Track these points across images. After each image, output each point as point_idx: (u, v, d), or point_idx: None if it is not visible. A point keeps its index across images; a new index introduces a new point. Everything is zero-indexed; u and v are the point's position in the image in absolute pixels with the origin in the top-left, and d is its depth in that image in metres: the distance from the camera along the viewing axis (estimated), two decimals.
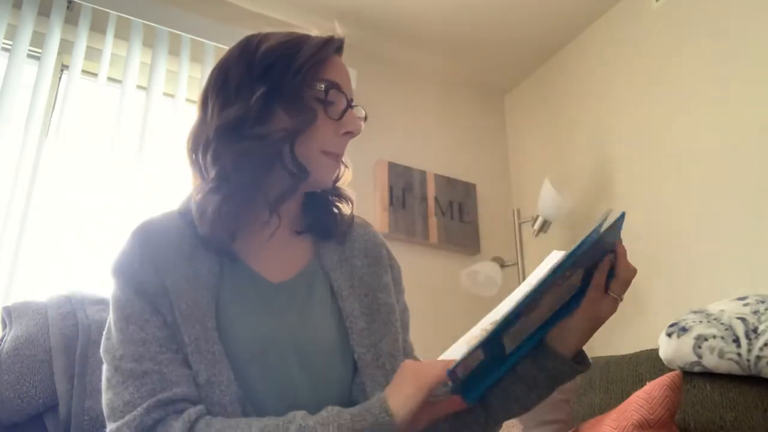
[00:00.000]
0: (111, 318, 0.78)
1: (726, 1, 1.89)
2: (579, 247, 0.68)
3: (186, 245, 0.81)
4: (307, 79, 0.82)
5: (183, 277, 0.78)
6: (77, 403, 1.06)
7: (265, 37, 0.85)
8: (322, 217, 0.92)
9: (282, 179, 0.83)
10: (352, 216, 0.95)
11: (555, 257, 0.92)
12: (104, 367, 0.75)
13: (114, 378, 0.73)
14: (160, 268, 0.77)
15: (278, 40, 0.84)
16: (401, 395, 0.71)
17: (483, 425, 0.83)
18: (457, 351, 0.86)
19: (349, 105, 0.86)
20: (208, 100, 0.85)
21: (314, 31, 0.89)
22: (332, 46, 0.86)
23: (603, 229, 0.71)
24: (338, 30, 0.89)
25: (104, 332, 0.78)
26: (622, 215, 0.73)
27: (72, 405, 1.06)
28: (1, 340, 1.12)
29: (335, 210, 0.93)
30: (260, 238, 0.86)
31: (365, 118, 0.92)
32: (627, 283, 0.79)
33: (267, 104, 0.81)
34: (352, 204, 0.95)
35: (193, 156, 0.85)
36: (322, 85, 0.83)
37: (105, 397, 0.73)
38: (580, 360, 0.82)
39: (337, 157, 0.87)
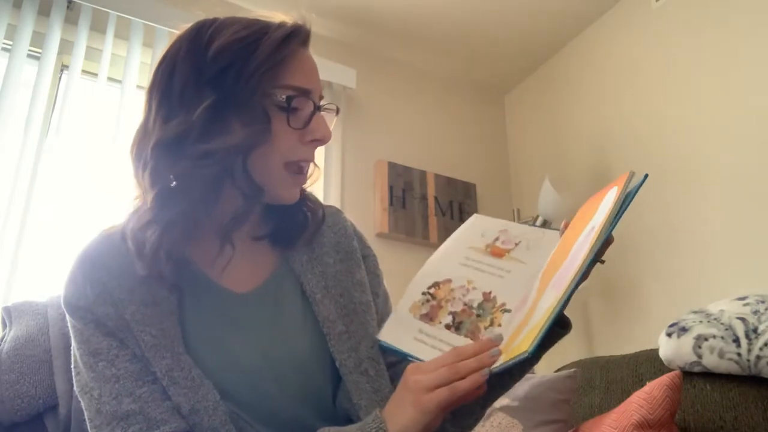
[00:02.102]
0: (76, 351, 0.73)
1: (726, 1, 1.89)
2: (622, 210, 0.68)
3: None
4: (264, 85, 0.72)
5: (142, 305, 0.71)
6: (77, 403, 1.06)
7: (218, 29, 0.75)
8: (285, 222, 0.83)
9: (234, 200, 0.74)
10: (321, 219, 0.86)
11: (477, 220, 0.89)
12: (84, 406, 0.71)
13: (97, 419, 0.69)
14: (116, 298, 0.71)
15: (231, 36, 0.73)
16: (401, 420, 0.65)
17: (482, 405, 0.80)
18: (398, 326, 0.80)
19: (317, 108, 0.76)
20: (152, 100, 0.75)
21: (278, 16, 0.78)
22: (294, 40, 0.75)
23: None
24: (304, 15, 0.79)
25: (72, 365, 0.74)
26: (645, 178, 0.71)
27: (72, 405, 1.06)
28: (1, 340, 1.12)
29: (303, 212, 0.85)
30: (203, 259, 0.77)
31: (337, 112, 0.83)
32: (608, 246, 0.74)
33: (215, 115, 0.71)
34: (321, 207, 0.87)
35: (134, 165, 0.76)
36: (283, 94, 0.73)
37: None
38: (563, 324, 0.78)
39: (302, 169, 0.78)
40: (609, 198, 0.72)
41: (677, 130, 1.98)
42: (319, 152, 2.02)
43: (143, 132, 0.75)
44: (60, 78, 1.96)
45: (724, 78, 1.86)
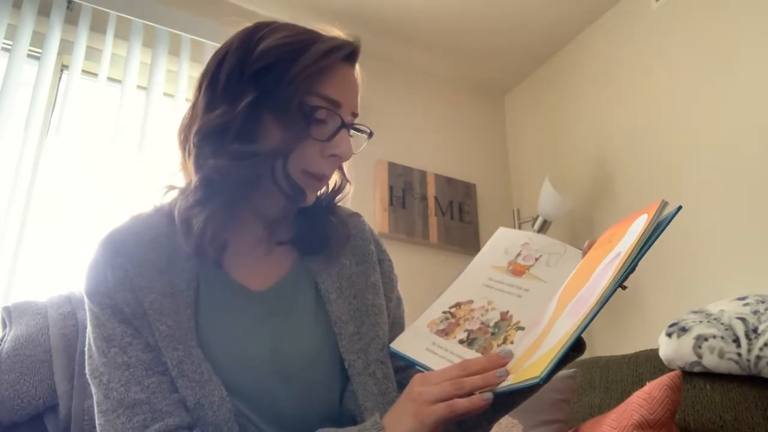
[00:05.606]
0: (90, 334, 0.74)
1: (725, 2, 1.89)
2: (651, 240, 0.66)
3: (162, 257, 0.76)
4: (300, 92, 0.74)
5: (161, 294, 0.73)
6: (77, 403, 1.06)
7: (271, 31, 0.78)
8: (309, 232, 0.85)
9: (272, 196, 0.78)
10: (345, 239, 0.87)
11: (503, 234, 0.89)
12: (93, 389, 0.72)
13: (104, 404, 0.70)
14: (136, 286, 0.73)
15: (280, 39, 0.76)
16: (400, 429, 0.66)
17: (489, 420, 0.80)
18: (413, 337, 0.81)
19: (344, 125, 0.78)
20: (200, 87, 0.79)
21: (334, 31, 0.81)
22: (338, 53, 0.78)
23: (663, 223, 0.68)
24: (354, 34, 0.82)
25: (86, 348, 0.75)
26: (677, 210, 0.69)
27: (72, 405, 1.06)
28: (1, 340, 1.12)
29: (329, 225, 0.86)
30: (243, 244, 0.81)
31: (370, 135, 0.85)
32: (631, 272, 0.72)
33: (254, 113, 0.74)
34: (348, 226, 0.88)
35: (181, 150, 0.81)
36: (313, 102, 0.75)
37: (97, 421, 0.71)
38: (577, 346, 0.77)
39: (319, 178, 0.79)
40: (638, 225, 0.70)
41: (677, 130, 1.98)
42: None
43: (190, 116, 0.80)
44: (60, 78, 1.96)
45: (723, 78, 1.86)
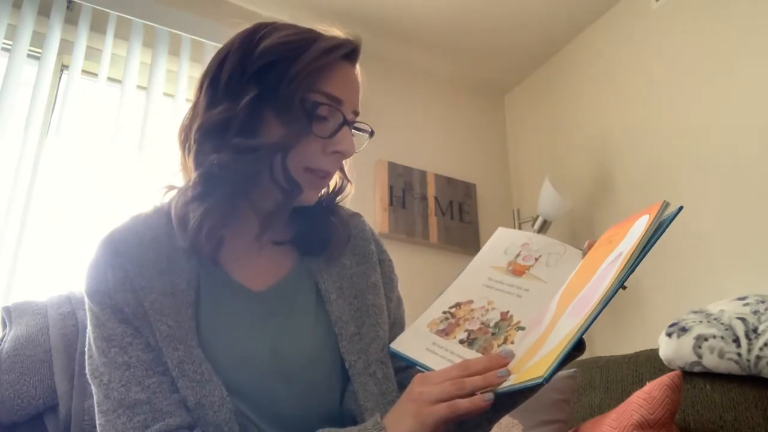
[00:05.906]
0: (90, 334, 0.74)
1: (725, 2, 1.89)
2: (653, 240, 0.66)
3: (162, 257, 0.75)
4: (302, 89, 0.75)
5: (161, 294, 0.73)
6: (77, 403, 1.06)
7: (272, 30, 0.78)
8: (308, 231, 0.85)
9: (271, 193, 0.77)
10: (346, 240, 0.87)
11: (502, 234, 0.89)
12: (93, 389, 0.72)
13: (104, 404, 0.70)
14: (136, 286, 0.73)
15: (281, 38, 0.77)
16: (400, 429, 0.66)
17: (489, 420, 0.80)
18: (413, 338, 0.81)
19: (346, 122, 0.79)
20: (201, 87, 0.80)
21: (334, 31, 0.82)
22: (338, 51, 0.79)
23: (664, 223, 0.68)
24: (355, 34, 0.82)
25: (86, 348, 0.75)
26: (678, 210, 0.69)
27: (72, 405, 1.06)
28: (1, 340, 1.12)
29: (328, 225, 0.86)
30: (242, 243, 0.81)
31: (371, 134, 0.85)
32: (632, 272, 0.74)
33: (256, 110, 0.75)
34: (348, 227, 0.88)
35: (181, 150, 0.81)
36: (314, 98, 0.76)
37: (98, 421, 0.71)
38: (577, 346, 0.77)
39: (322, 176, 0.80)
40: (639, 226, 0.70)
41: (677, 129, 1.98)
42: None
43: (191, 116, 0.80)
44: (60, 78, 1.96)
45: (723, 77, 1.86)
